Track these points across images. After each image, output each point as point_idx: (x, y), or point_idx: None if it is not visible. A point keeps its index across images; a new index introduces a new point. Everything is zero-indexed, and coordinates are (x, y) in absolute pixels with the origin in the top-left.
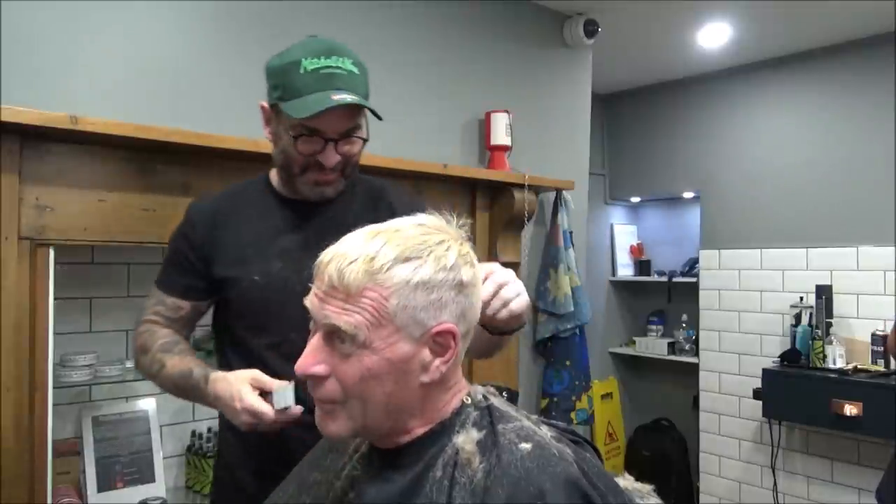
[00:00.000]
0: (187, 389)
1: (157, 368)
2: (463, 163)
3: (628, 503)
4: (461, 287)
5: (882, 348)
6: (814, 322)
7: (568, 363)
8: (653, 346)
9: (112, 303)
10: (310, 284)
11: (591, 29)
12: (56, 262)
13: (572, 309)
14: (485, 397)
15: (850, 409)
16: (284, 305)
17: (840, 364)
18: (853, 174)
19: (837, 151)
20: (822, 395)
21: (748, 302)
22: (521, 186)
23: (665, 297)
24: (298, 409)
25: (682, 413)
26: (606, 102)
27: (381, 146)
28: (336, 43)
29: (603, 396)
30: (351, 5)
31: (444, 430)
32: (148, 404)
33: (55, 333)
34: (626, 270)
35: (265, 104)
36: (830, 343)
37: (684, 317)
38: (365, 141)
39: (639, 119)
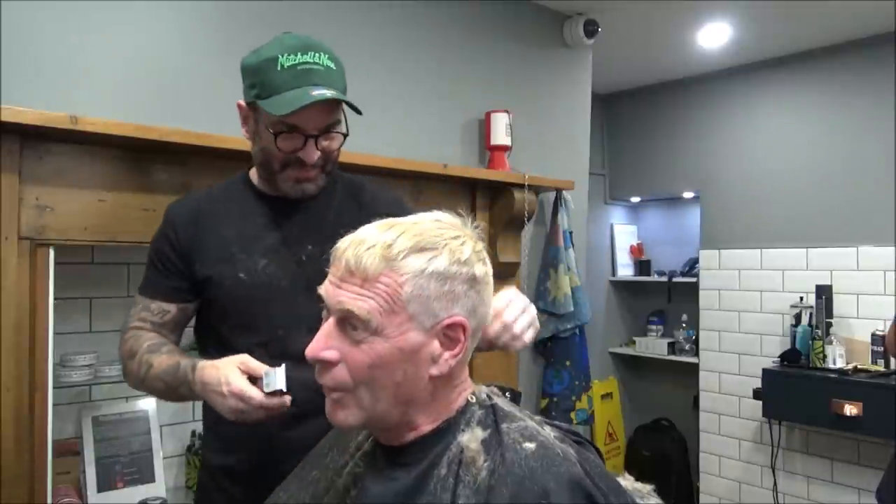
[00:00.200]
0: (176, 385)
1: (144, 370)
2: (463, 163)
3: None
4: (474, 282)
5: (882, 348)
6: (814, 322)
7: (568, 363)
8: (653, 346)
9: (112, 303)
10: (297, 280)
11: (591, 29)
12: (56, 262)
13: (572, 309)
14: (489, 397)
15: (850, 409)
16: (270, 303)
17: (840, 364)
18: (853, 174)
19: (837, 151)
20: (822, 395)
21: (748, 302)
22: (521, 186)
23: (665, 297)
24: (288, 398)
25: (682, 413)
26: (606, 102)
27: (381, 146)
28: (311, 39)
29: (603, 396)
30: (351, 5)
31: (449, 429)
32: (148, 404)
33: (55, 333)
34: (626, 270)
35: (242, 103)
36: (830, 343)
37: (684, 317)
38: (345, 136)
39: (639, 119)
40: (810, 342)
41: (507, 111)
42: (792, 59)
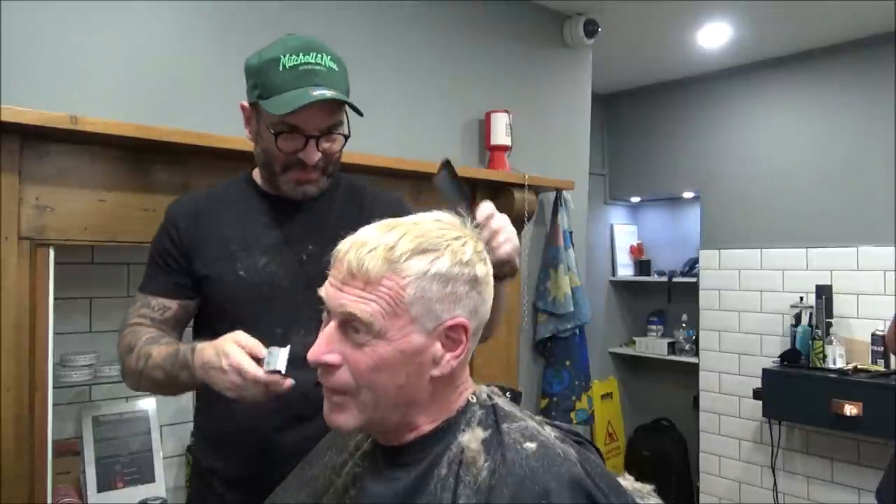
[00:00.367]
0: (176, 372)
1: (143, 362)
2: (463, 163)
3: None
4: (475, 283)
5: (882, 348)
6: (814, 322)
7: (568, 363)
8: (653, 346)
9: (112, 303)
10: (297, 280)
11: (591, 29)
12: (56, 262)
13: (572, 309)
14: (489, 397)
15: (850, 409)
16: (270, 301)
17: (840, 364)
18: (853, 174)
19: (837, 151)
20: (822, 395)
21: (748, 302)
22: (521, 186)
23: (665, 297)
24: (290, 381)
25: (682, 413)
26: (606, 102)
27: (381, 146)
28: (315, 40)
29: (603, 396)
30: (352, 6)
31: (449, 429)
32: (148, 404)
33: (55, 333)
34: (626, 270)
35: (245, 104)
36: (830, 343)
37: (684, 317)
38: (346, 138)
39: (639, 119)
40: (810, 342)
41: (507, 111)
42: (792, 59)
